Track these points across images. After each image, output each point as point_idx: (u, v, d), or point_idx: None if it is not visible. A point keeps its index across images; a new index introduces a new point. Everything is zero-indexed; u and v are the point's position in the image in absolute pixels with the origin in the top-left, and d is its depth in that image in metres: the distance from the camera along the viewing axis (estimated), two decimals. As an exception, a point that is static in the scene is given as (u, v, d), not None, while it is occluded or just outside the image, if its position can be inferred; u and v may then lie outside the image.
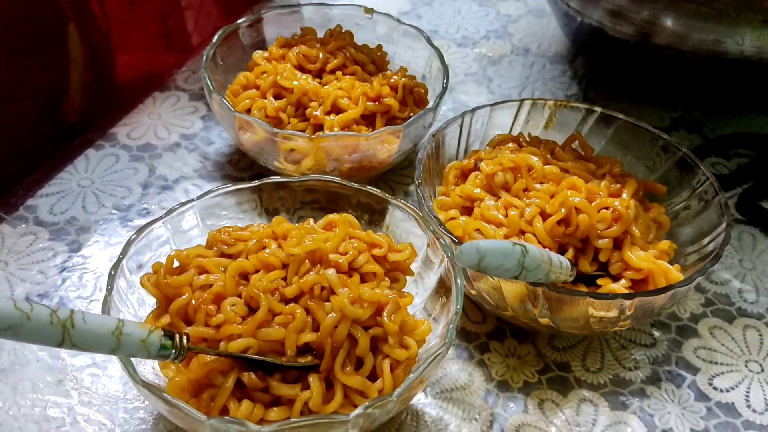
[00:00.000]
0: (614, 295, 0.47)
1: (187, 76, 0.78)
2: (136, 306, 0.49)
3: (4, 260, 0.58)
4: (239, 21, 0.70)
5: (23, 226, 0.61)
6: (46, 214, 0.62)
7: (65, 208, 0.63)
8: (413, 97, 0.67)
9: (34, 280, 0.57)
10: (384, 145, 0.61)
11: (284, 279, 0.48)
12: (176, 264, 0.49)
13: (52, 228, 0.61)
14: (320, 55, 0.67)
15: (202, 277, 0.47)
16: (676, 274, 0.52)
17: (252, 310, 0.46)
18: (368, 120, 0.64)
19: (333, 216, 0.53)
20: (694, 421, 0.51)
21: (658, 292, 0.48)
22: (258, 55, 0.68)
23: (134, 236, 0.50)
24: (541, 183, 0.56)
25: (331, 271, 0.47)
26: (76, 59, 0.59)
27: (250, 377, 0.44)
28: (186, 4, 0.77)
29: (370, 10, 0.74)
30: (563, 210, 0.52)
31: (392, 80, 0.66)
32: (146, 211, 0.64)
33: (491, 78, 0.82)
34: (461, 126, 0.61)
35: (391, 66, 0.71)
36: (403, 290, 0.51)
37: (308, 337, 0.45)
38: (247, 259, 0.48)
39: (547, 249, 0.49)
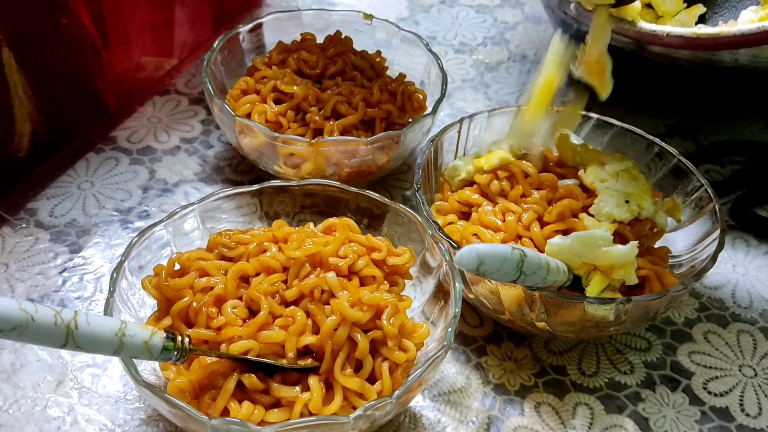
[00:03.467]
0: (610, 300, 0.48)
1: (187, 80, 0.79)
2: (137, 307, 0.50)
3: (5, 262, 0.58)
4: (239, 26, 0.71)
5: (24, 228, 0.61)
6: (46, 216, 0.62)
7: (66, 211, 0.63)
8: (412, 102, 0.68)
9: (35, 281, 0.57)
10: (383, 150, 0.61)
11: (285, 282, 0.48)
12: (177, 267, 0.49)
13: (52, 230, 0.61)
14: (320, 61, 0.67)
15: (203, 279, 0.48)
16: (671, 278, 0.52)
17: (253, 312, 0.47)
18: (367, 125, 0.65)
19: (333, 220, 0.53)
20: (689, 425, 0.52)
21: (654, 296, 0.49)
22: (258, 60, 0.69)
23: (136, 239, 0.50)
24: (537, 189, 0.56)
25: (331, 275, 0.47)
26: (16, 85, 0.57)
27: (250, 379, 0.44)
28: (182, 9, 0.77)
29: (369, 16, 0.74)
30: (562, 220, 0.53)
31: (391, 86, 0.66)
32: (146, 214, 0.64)
33: (488, 84, 0.83)
34: (459, 132, 0.62)
35: (389, 72, 0.72)
36: (402, 294, 0.51)
37: (308, 339, 0.45)
38: (247, 262, 0.49)
39: (545, 254, 0.49)
